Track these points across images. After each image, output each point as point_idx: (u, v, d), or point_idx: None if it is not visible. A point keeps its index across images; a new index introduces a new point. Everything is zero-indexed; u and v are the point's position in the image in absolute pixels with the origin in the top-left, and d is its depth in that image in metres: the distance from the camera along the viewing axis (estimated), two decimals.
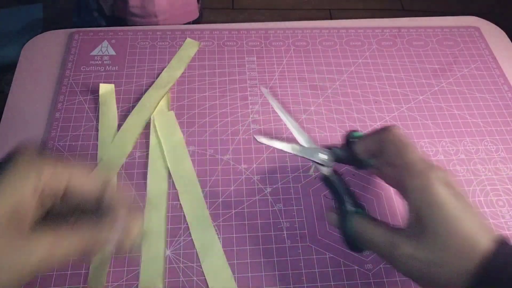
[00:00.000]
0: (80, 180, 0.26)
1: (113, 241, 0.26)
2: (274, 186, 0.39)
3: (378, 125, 0.44)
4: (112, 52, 0.48)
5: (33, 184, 0.24)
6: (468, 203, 0.27)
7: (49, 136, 0.41)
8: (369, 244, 0.30)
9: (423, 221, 0.27)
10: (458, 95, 0.47)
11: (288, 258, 0.35)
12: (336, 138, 0.43)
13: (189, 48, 0.49)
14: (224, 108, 0.44)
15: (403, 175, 0.29)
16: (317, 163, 0.33)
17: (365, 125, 0.44)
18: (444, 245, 0.26)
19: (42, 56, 0.48)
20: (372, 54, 0.50)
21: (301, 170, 0.40)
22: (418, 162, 0.29)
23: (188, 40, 0.49)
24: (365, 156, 0.33)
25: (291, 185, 0.39)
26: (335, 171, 0.33)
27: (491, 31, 0.54)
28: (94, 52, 0.48)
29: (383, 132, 0.31)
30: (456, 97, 0.47)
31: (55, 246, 0.24)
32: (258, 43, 0.50)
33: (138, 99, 0.44)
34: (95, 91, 0.44)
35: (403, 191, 0.29)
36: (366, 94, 0.46)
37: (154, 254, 0.35)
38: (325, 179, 0.33)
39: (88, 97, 0.44)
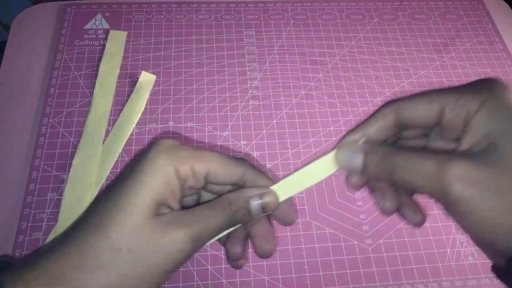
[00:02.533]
0: (219, 168, 0.24)
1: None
2: (274, 162, 0.39)
3: (378, 100, 0.43)
4: (106, 25, 0.46)
5: (175, 173, 0.23)
6: None
7: (43, 112, 0.40)
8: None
9: (493, 138, 0.19)
10: (460, 70, 0.46)
11: (288, 233, 0.35)
12: (336, 113, 0.42)
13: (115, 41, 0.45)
14: (222, 83, 0.43)
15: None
16: None
17: (365, 101, 0.43)
18: None
19: (33, 31, 0.46)
20: (373, 28, 0.49)
21: (300, 146, 0.40)
22: None
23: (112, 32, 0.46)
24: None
25: (291, 161, 0.39)
26: None
27: (495, 4, 0.53)
28: (87, 26, 0.46)
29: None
30: (457, 72, 0.46)
31: (197, 229, 0.22)
32: (257, 17, 0.49)
33: (134, 75, 0.43)
34: (89, 67, 0.43)
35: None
36: (367, 69, 0.46)
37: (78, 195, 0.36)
38: None
39: (83, 72, 0.43)
